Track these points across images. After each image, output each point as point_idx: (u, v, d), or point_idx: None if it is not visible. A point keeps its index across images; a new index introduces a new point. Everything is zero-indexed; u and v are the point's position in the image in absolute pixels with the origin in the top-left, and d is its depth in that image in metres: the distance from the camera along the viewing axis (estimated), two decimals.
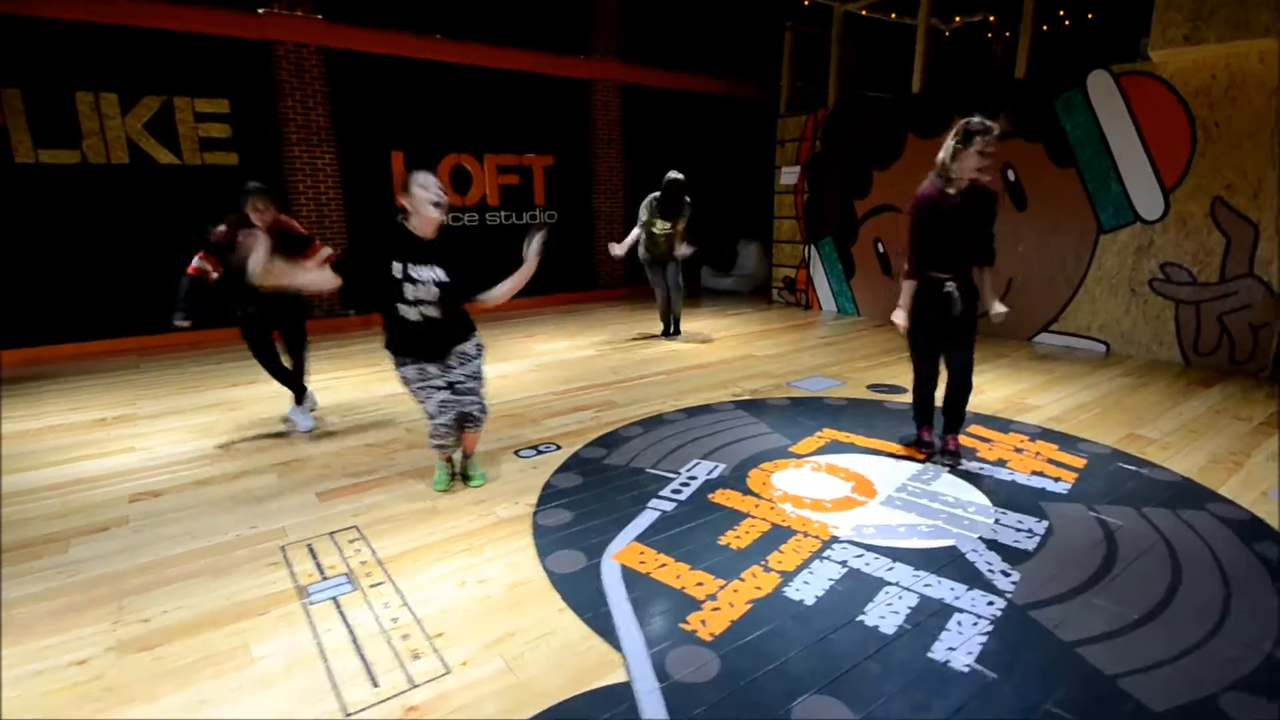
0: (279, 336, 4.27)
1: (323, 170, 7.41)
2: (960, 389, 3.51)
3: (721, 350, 6.37)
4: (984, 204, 3.31)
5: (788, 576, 2.53)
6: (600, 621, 2.28)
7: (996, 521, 2.94)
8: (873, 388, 5.02)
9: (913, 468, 3.54)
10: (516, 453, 3.82)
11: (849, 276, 8.12)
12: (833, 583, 2.49)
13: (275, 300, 3.91)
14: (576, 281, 9.60)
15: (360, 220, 7.77)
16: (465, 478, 3.43)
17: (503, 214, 8.72)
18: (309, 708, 1.92)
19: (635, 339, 6.94)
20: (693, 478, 3.43)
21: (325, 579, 2.58)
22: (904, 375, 5.23)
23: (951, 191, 3.28)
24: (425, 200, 2.87)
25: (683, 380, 5.30)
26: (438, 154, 8.16)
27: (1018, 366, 5.61)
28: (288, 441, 4.12)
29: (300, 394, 4.37)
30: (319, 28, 7.11)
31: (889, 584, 2.48)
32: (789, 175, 8.57)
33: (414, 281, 2.86)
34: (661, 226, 6.57)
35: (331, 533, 2.94)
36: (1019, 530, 2.86)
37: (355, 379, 5.54)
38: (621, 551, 2.72)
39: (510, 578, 2.56)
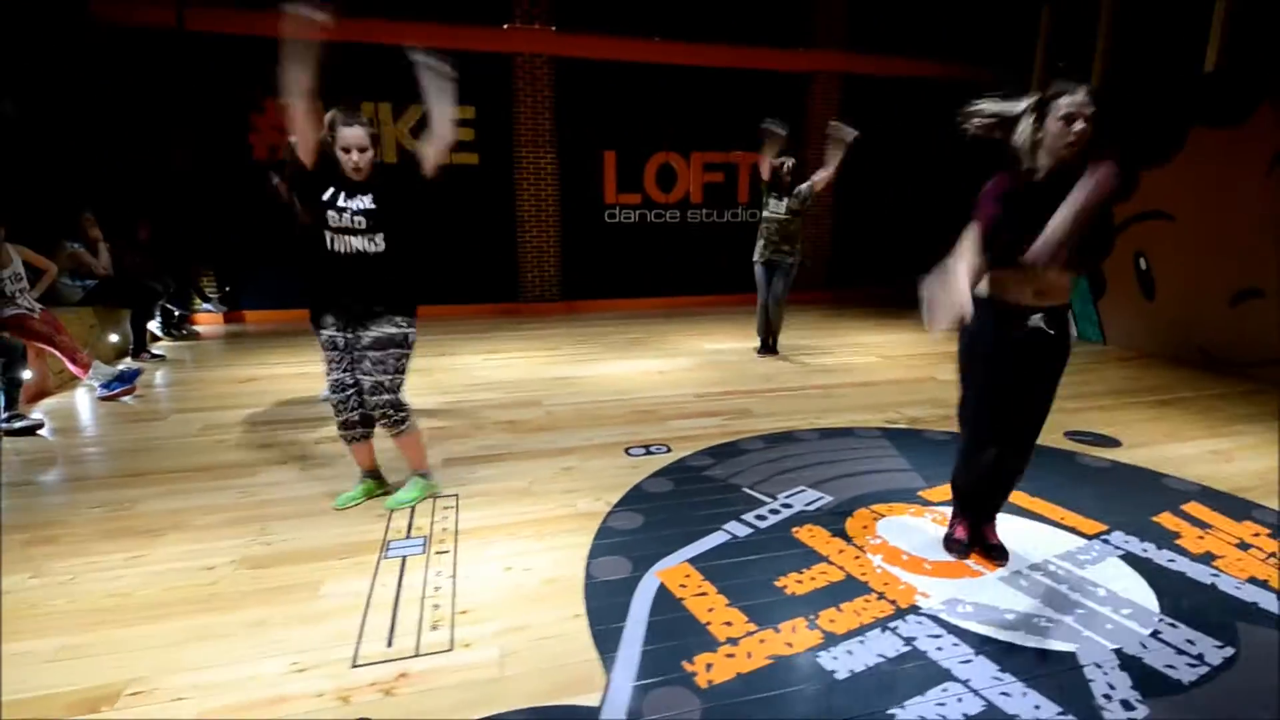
0: None
1: (544, 170, 8.10)
2: (1010, 465, 2.57)
3: (901, 368, 5.68)
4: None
5: (831, 640, 2.19)
6: (607, 637, 2.19)
7: (1154, 634, 2.22)
8: (1072, 435, 4.09)
9: (1071, 542, 2.82)
10: (627, 450, 3.82)
11: (1096, 296, 6.69)
12: (882, 660, 2.09)
13: None
14: None
15: (574, 216, 8.36)
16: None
17: (704, 212, 8.73)
18: (330, 649, 2.14)
19: (808, 346, 6.50)
20: (787, 505, 3.13)
21: (408, 538, 2.85)
22: (1124, 423, 4.23)
23: (1038, 178, 2.29)
24: (344, 165, 2.75)
25: (837, 397, 4.84)
26: (646, 153, 8.44)
27: None
28: (449, 411, 4.60)
29: None
30: (551, 38, 7.75)
31: (954, 679, 2.01)
32: None
33: (340, 210, 2.73)
34: (774, 209, 5.79)
35: (435, 496, 3.23)
36: (1183, 652, 2.13)
37: (527, 361, 5.99)
38: (669, 570, 2.59)
39: (551, 572, 2.59)
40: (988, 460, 2.55)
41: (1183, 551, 2.74)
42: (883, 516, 3.04)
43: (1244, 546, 2.79)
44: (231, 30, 6.91)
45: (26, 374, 4.54)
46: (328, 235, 2.78)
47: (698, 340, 6.81)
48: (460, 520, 3.01)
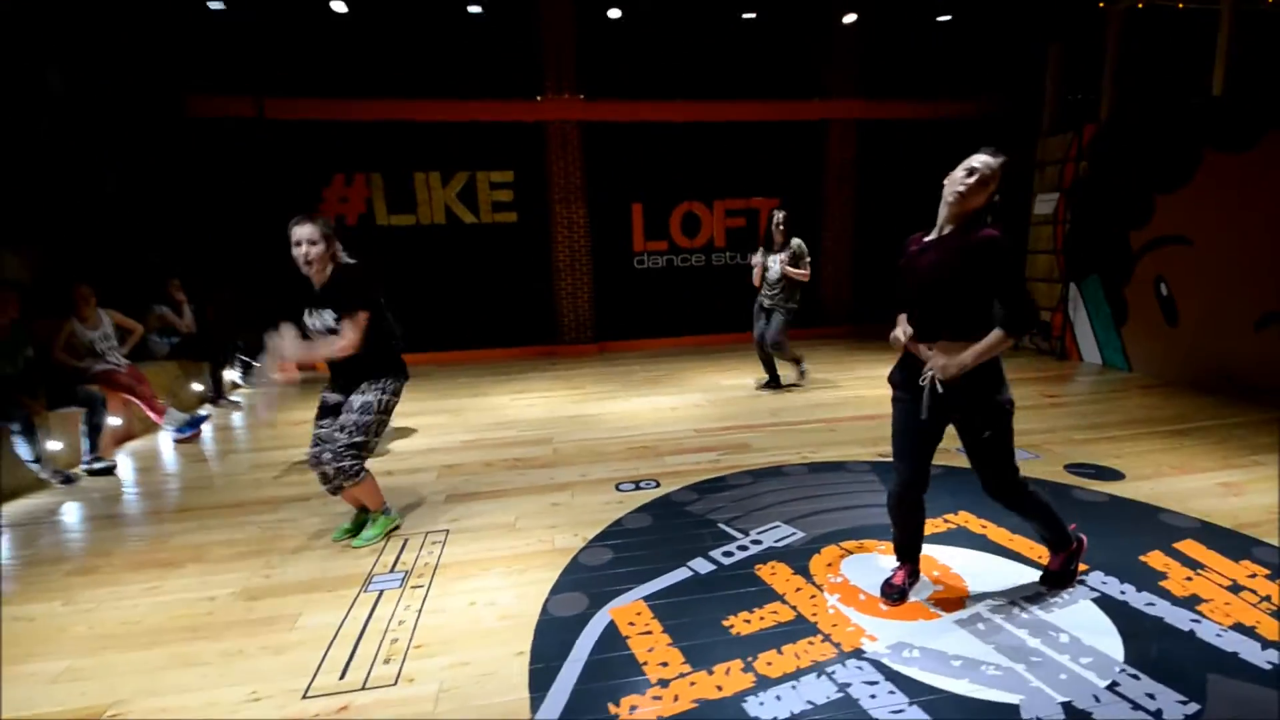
0: None
1: (576, 223, 8.26)
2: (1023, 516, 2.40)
3: None
4: (977, 257, 2.04)
5: (764, 684, 2.03)
6: (543, 677, 2.11)
7: (1112, 686, 1.95)
8: (1072, 468, 3.74)
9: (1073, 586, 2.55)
10: (617, 486, 3.74)
11: (1119, 323, 6.19)
12: (810, 708, 1.92)
13: None
14: (799, 317, 9.04)
15: (606, 263, 8.47)
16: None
17: (728, 254, 8.66)
18: (288, 680, 2.15)
19: (822, 379, 6.26)
20: (757, 542, 2.97)
21: (391, 572, 2.86)
22: (1132, 454, 3.86)
23: (927, 239, 2.22)
24: (298, 259, 2.82)
25: (841, 430, 4.62)
26: (671, 203, 8.48)
27: None
28: (468, 447, 4.65)
29: None
30: (580, 106, 7.96)
31: None
32: (1044, 204, 6.89)
33: (311, 329, 2.90)
34: (759, 262, 5.61)
35: (428, 531, 3.25)
36: (1139, 708, 1.86)
37: (550, 400, 6.02)
38: (623, 607, 2.48)
39: (511, 607, 2.53)
40: (896, 499, 2.41)
41: (1165, 594, 2.43)
42: (850, 554, 2.84)
43: (1236, 589, 2.45)
44: (303, 116, 7.44)
45: (113, 420, 4.92)
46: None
47: (715, 376, 6.69)
48: (444, 555, 3.00)
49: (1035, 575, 2.59)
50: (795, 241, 5.53)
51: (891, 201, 8.78)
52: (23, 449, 3.97)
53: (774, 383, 5.97)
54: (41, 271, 5.32)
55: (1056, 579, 2.51)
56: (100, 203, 6.25)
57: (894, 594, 2.45)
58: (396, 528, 3.28)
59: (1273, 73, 4.87)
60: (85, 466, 4.37)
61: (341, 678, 2.16)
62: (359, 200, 7.81)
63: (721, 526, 3.15)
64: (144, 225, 6.53)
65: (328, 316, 2.86)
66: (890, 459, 2.46)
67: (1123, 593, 2.45)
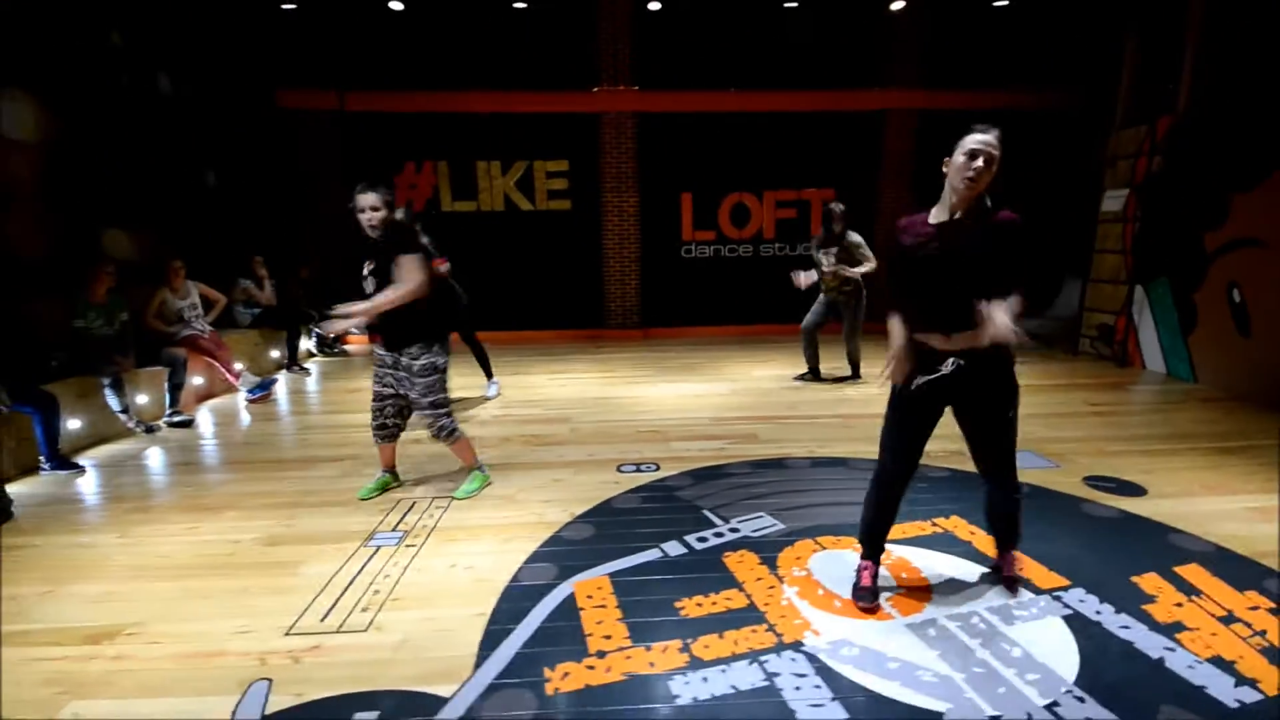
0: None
1: (627, 212, 8.30)
2: (995, 506, 2.37)
3: None
4: (1005, 239, 2.04)
5: (696, 665, 2.05)
6: (494, 637, 2.21)
7: (1051, 706, 1.84)
8: (1092, 480, 3.47)
9: (1019, 595, 2.40)
10: (619, 467, 3.80)
11: (1187, 331, 5.61)
12: (732, 692, 1.92)
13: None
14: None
15: (654, 251, 8.47)
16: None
17: (776, 245, 8.46)
18: (277, 618, 2.35)
19: (855, 376, 6.04)
20: (734, 530, 2.95)
21: (393, 531, 3.04)
22: (1165, 470, 3.57)
23: (933, 223, 2.12)
24: (364, 224, 3.07)
25: (856, 427, 4.47)
26: (721, 194, 8.36)
27: None
28: (496, 421, 4.82)
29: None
30: (634, 97, 7.96)
31: None
32: (1113, 200, 6.31)
33: (364, 276, 3.13)
34: (824, 262, 5.41)
35: (434, 497, 3.42)
36: None
37: (584, 382, 6.13)
38: (587, 581, 2.55)
39: (487, 572, 2.64)
40: (887, 489, 2.34)
41: (1145, 618, 2.24)
42: (823, 549, 2.78)
43: (1229, 620, 2.22)
44: (378, 108, 7.84)
45: (196, 379, 5.44)
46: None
47: (749, 367, 6.59)
48: (443, 519, 3.16)
49: (1002, 587, 2.45)
50: (851, 235, 5.34)
51: None
52: (112, 400, 4.46)
53: (814, 375, 5.84)
54: (148, 250, 5.91)
55: (1014, 583, 2.43)
56: (201, 191, 6.87)
57: (867, 596, 2.34)
58: (489, 484, 3.54)
59: None
60: (166, 419, 4.86)
61: (322, 620, 2.35)
62: (426, 187, 8.17)
63: (705, 513, 3.14)
64: (238, 210, 7.10)
65: (371, 265, 3.09)
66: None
67: (1098, 613, 2.27)
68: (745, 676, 1.99)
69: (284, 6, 7.16)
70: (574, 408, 5.16)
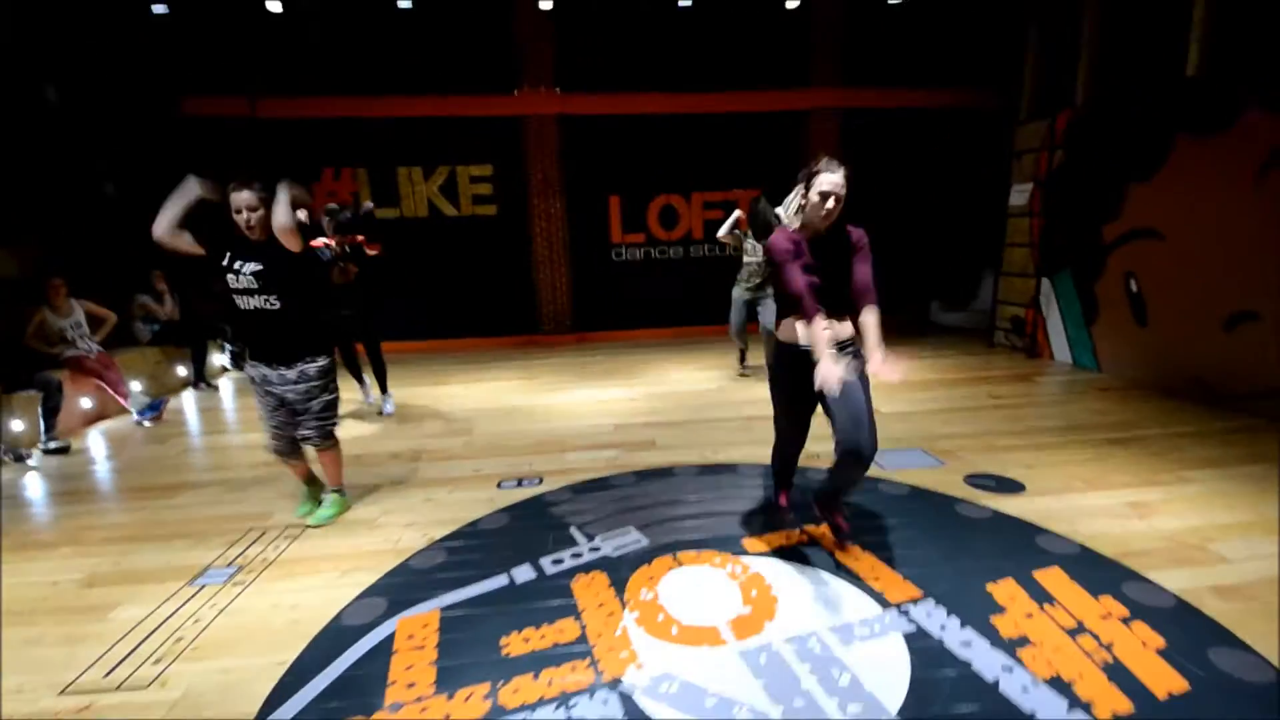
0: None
1: (554, 215, 8.03)
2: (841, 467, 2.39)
3: None
4: (861, 250, 2.42)
5: (497, 714, 1.81)
6: (286, 689, 1.95)
7: None
8: (972, 479, 3.33)
9: (865, 609, 2.22)
10: (499, 483, 3.55)
11: (1090, 321, 5.57)
12: None
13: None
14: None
15: (583, 255, 8.23)
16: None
17: (705, 246, 8.27)
18: (57, 673, 2.06)
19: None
20: (595, 549, 2.73)
21: (227, 566, 2.74)
22: (1048, 464, 3.45)
23: (800, 237, 2.39)
24: (240, 225, 2.86)
25: (757, 430, 4.28)
26: (649, 196, 8.15)
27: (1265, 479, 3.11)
28: (380, 434, 4.52)
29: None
30: (557, 99, 7.70)
31: None
32: (1019, 194, 6.26)
33: (237, 273, 2.82)
34: (750, 253, 5.33)
35: (287, 526, 3.12)
36: None
37: (497, 390, 5.85)
38: (414, 617, 2.29)
39: (306, 613, 2.37)
40: (790, 455, 2.81)
41: (990, 632, 2.07)
42: (680, 566, 2.57)
43: (1077, 631, 2.06)
44: (293, 115, 7.44)
45: (85, 402, 5.04)
46: (234, 296, 2.87)
47: (672, 370, 6.39)
48: (288, 551, 2.87)
49: (859, 599, 2.27)
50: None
51: (874, 191, 8.20)
52: None
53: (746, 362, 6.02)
54: (35, 266, 5.47)
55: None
56: (99, 203, 6.42)
57: (788, 518, 2.87)
58: (347, 508, 3.25)
59: (1251, 47, 4.19)
60: (41, 446, 4.47)
61: (106, 675, 2.06)
62: (346, 194, 7.77)
63: (572, 531, 2.91)
64: (140, 222, 6.65)
65: (257, 264, 2.81)
66: None
67: (943, 628, 2.10)
68: None
69: (176, 13, 6.72)
70: (478, 418, 4.89)
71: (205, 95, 7.19)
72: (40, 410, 4.51)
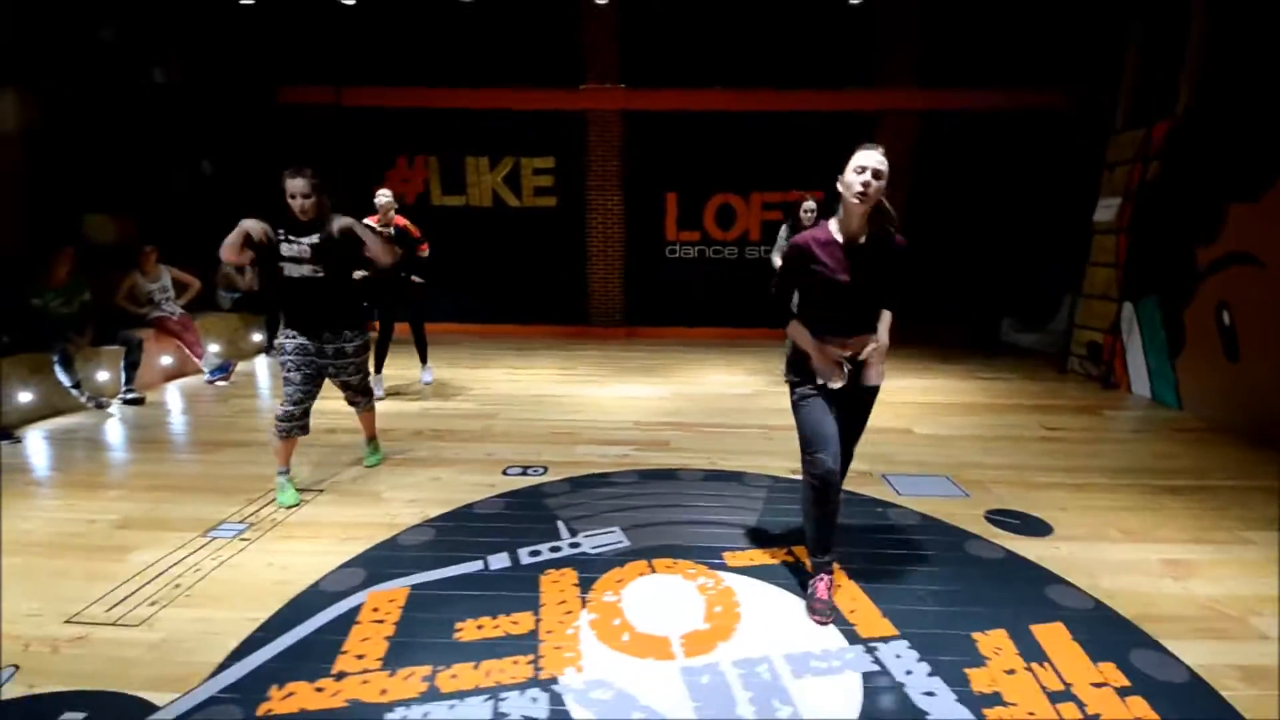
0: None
1: (612, 210, 8.07)
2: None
3: (889, 416, 4.65)
4: (898, 262, 2.17)
5: (429, 696, 1.84)
6: (253, 645, 2.07)
7: None
8: (994, 515, 3.06)
9: (828, 642, 2.09)
10: (505, 470, 3.60)
11: (1174, 353, 4.99)
12: None
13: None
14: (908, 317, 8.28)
15: (638, 251, 8.22)
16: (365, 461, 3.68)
17: (761, 248, 8.04)
18: (68, 604, 2.28)
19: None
20: (575, 545, 2.72)
21: (240, 523, 2.94)
22: (1086, 509, 3.13)
23: (840, 242, 2.14)
24: (294, 209, 3.04)
25: (777, 439, 4.13)
26: (706, 194, 8.02)
27: None
28: (415, 412, 4.69)
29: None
30: (620, 95, 7.71)
31: None
32: (1106, 209, 5.68)
33: (291, 243, 3.02)
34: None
35: (304, 489, 3.30)
36: None
37: (534, 378, 5.95)
38: (385, 592, 2.37)
39: (292, 575, 2.50)
40: (827, 486, 2.22)
41: (960, 684, 1.90)
42: (653, 573, 2.52)
43: (1061, 697, 1.85)
44: (373, 103, 7.85)
45: (165, 359, 5.56)
46: (283, 264, 3.06)
47: (710, 371, 6.28)
48: (296, 514, 3.04)
49: (826, 631, 2.14)
50: None
51: (949, 199, 7.72)
52: (62, 376, 4.56)
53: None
54: (131, 236, 6.06)
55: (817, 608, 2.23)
56: (197, 180, 7.04)
57: (826, 609, 2.22)
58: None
59: None
60: (120, 396, 4.96)
61: (109, 610, 2.26)
62: (418, 181, 8.15)
63: (559, 524, 2.92)
64: (234, 198, 7.24)
65: (314, 238, 3.04)
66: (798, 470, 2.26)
67: (909, 673, 1.95)
68: (471, 713, 1.77)
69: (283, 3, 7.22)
70: (506, 404, 4.99)
71: (298, 85, 7.71)
72: (122, 364, 5.00)
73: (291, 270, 3.06)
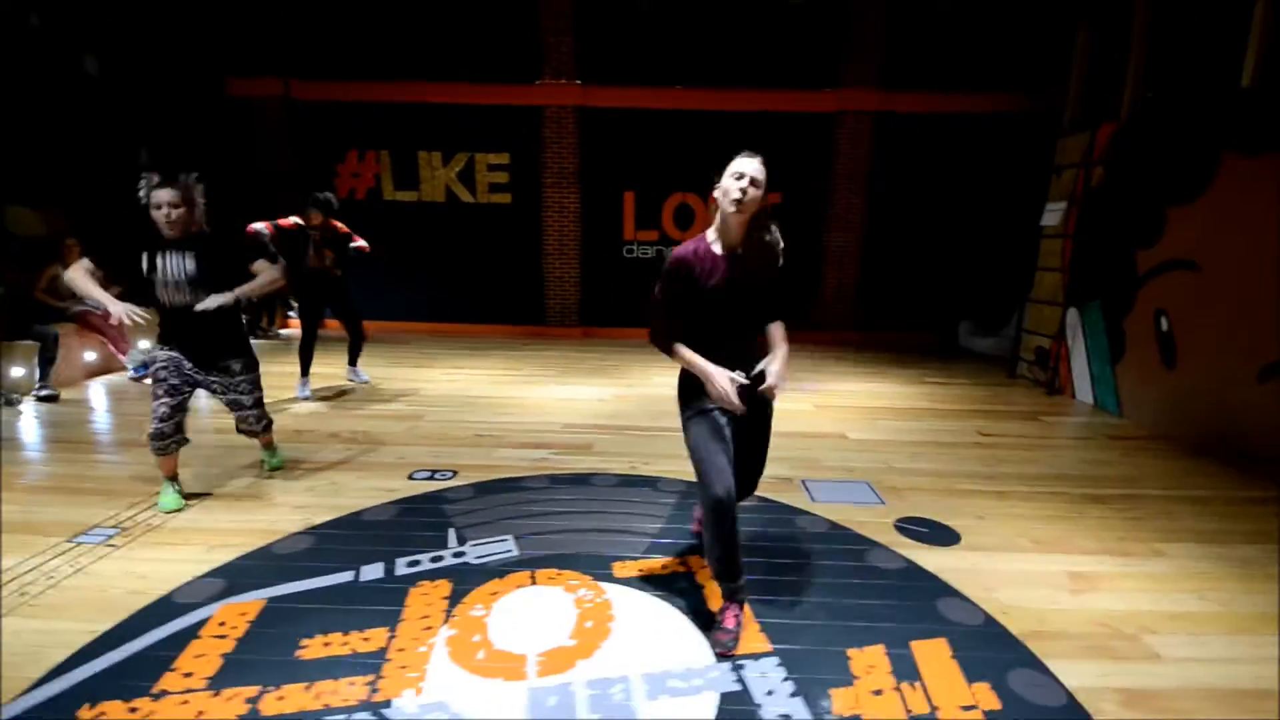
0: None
1: (568, 208, 7.96)
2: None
3: (826, 421, 4.61)
4: (774, 262, 2.11)
5: None
6: (78, 660, 1.92)
7: None
8: (904, 524, 2.98)
9: (698, 660, 1.99)
10: (411, 475, 3.47)
11: (1115, 359, 4.96)
12: None
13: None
14: (794, 321, 8.20)
15: (595, 250, 8.11)
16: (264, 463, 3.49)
17: None
18: None
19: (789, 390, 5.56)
20: (459, 554, 2.60)
21: (111, 528, 2.78)
22: (1000, 517, 3.06)
23: (718, 250, 2.08)
24: (159, 221, 2.82)
25: None
26: (664, 193, 7.94)
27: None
28: (332, 413, 4.54)
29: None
30: (577, 91, 7.61)
31: None
32: (1052, 213, 5.65)
33: (160, 270, 2.81)
34: None
35: (189, 495, 3.13)
36: None
37: (475, 379, 5.81)
38: (239, 604, 2.24)
39: (148, 585, 2.35)
40: (727, 509, 2.04)
41: (819, 706, 1.80)
42: (533, 585, 2.40)
43: None
44: (323, 96, 7.68)
45: (89, 355, 5.37)
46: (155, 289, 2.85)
47: (659, 374, 6.16)
48: (174, 519, 2.89)
49: (703, 651, 2.03)
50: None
51: (908, 201, 7.69)
52: None
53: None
54: (61, 228, 5.84)
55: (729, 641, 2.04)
56: (133, 172, 6.81)
57: (730, 641, 2.03)
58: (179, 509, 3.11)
59: None
60: (34, 393, 4.77)
61: None
62: (369, 176, 7.99)
63: (450, 532, 2.79)
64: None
65: (189, 264, 2.82)
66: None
67: (770, 692, 1.85)
68: None
69: None
70: (437, 405, 4.86)
71: (247, 76, 7.52)
72: (36, 359, 4.81)
73: (164, 296, 2.83)
